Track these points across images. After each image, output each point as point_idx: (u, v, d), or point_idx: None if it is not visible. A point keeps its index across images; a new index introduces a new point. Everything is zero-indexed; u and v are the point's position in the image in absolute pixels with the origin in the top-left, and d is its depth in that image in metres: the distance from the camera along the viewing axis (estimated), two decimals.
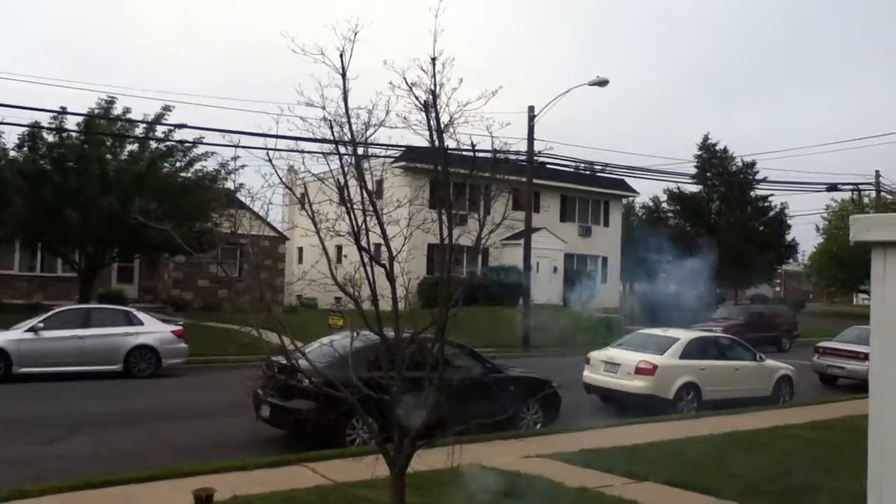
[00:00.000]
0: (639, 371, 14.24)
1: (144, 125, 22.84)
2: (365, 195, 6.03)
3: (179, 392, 16.03)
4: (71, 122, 21.70)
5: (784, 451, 10.43)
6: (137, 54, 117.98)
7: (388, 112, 5.90)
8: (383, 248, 6.23)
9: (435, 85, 5.68)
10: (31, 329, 16.63)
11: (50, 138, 21.88)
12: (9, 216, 21.32)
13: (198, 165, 23.52)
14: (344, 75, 5.78)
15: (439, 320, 6.07)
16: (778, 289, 72.96)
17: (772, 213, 50.25)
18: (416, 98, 5.74)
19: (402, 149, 18.82)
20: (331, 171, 6.34)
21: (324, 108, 5.88)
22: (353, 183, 6.12)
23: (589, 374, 15.18)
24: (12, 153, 21.79)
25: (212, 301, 30.73)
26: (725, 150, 49.97)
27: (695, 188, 50.08)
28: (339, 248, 7.17)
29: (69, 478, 8.04)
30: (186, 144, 23.05)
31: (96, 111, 21.95)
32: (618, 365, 14.65)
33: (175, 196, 21.63)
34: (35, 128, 21.26)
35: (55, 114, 21.16)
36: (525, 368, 14.23)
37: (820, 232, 50.80)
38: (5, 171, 21.09)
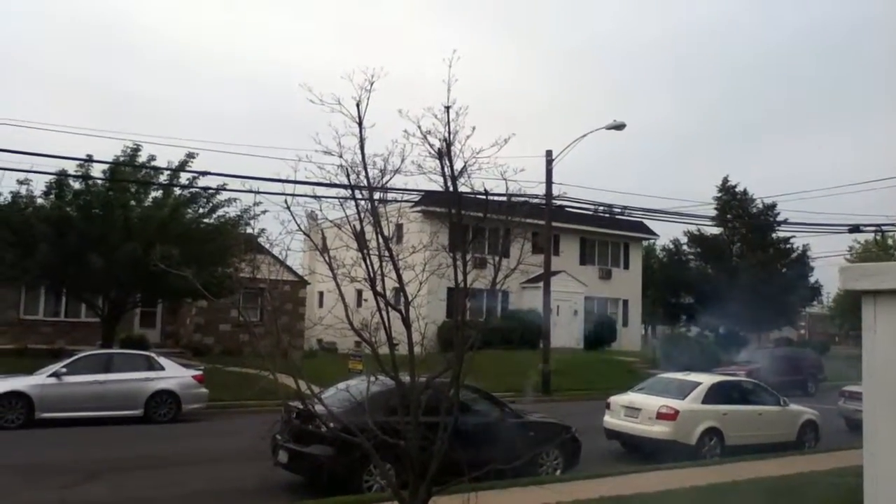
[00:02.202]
0: (660, 416, 14.06)
1: (168, 172, 23.21)
2: (381, 240, 6.11)
3: (198, 437, 16.03)
4: (97, 170, 22.12)
5: (809, 499, 10.21)
6: (160, 104, 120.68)
7: (403, 159, 6.02)
8: (400, 293, 6.29)
9: (449, 133, 5.79)
10: (54, 374, 16.75)
11: (76, 186, 22.29)
12: (34, 262, 21.65)
13: (220, 212, 23.84)
14: (360, 124, 5.92)
15: (454, 365, 6.09)
16: (802, 331, 71.97)
17: (794, 255, 49.85)
18: (431, 146, 5.86)
19: (419, 193, 19.02)
20: (347, 217, 6.44)
21: (341, 155, 6.02)
22: (369, 229, 6.21)
23: (610, 419, 15.01)
24: (39, 200, 22.21)
25: (233, 346, 30.84)
26: (745, 192, 49.84)
27: (715, 230, 49.88)
28: (360, 292, 7.20)
29: None
30: (209, 191, 23.37)
31: (122, 159, 22.33)
32: (638, 410, 14.49)
33: (197, 242, 21.86)
34: (62, 175, 21.67)
35: (81, 161, 21.58)
36: (545, 413, 14.10)
37: None
38: (32, 219, 21.47)
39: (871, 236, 45.96)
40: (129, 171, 22.61)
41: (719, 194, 49.98)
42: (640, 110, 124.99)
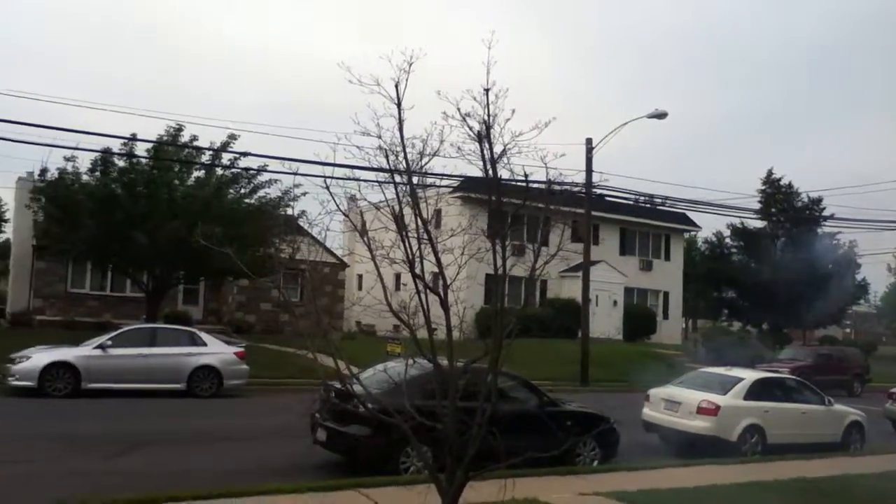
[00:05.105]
0: (701, 411, 13.83)
1: (211, 152, 23.41)
2: (420, 223, 6.05)
3: (238, 413, 16.24)
4: (141, 149, 22.40)
5: (854, 502, 9.96)
6: (202, 86, 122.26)
7: (442, 142, 5.94)
8: (438, 276, 6.22)
9: (488, 115, 5.69)
10: (100, 346, 17.10)
11: (121, 163, 22.63)
12: (80, 237, 22.08)
13: (261, 192, 24.02)
14: (399, 105, 5.84)
15: (493, 350, 6.02)
16: (848, 330, 70.34)
17: (840, 252, 48.72)
18: (470, 128, 5.77)
19: (458, 178, 18.93)
20: (386, 199, 6.39)
21: (379, 137, 5.95)
22: (408, 211, 6.15)
23: (649, 412, 14.82)
24: (85, 177, 22.60)
25: (273, 324, 31.24)
26: (790, 186, 48.83)
27: (759, 224, 48.94)
28: (398, 275, 7.23)
29: (123, 493, 8.16)
30: (251, 172, 23.55)
31: (165, 138, 22.59)
32: (678, 403, 14.27)
33: (239, 222, 22.06)
34: (107, 153, 22.01)
35: (126, 140, 21.87)
36: (583, 403, 13.97)
37: (892, 272, 48.96)
38: (79, 194, 21.88)
39: None
40: (172, 150, 22.86)
41: (763, 187, 49.03)
42: (684, 99, 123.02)
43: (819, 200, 47.57)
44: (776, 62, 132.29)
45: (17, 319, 27.35)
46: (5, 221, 40.17)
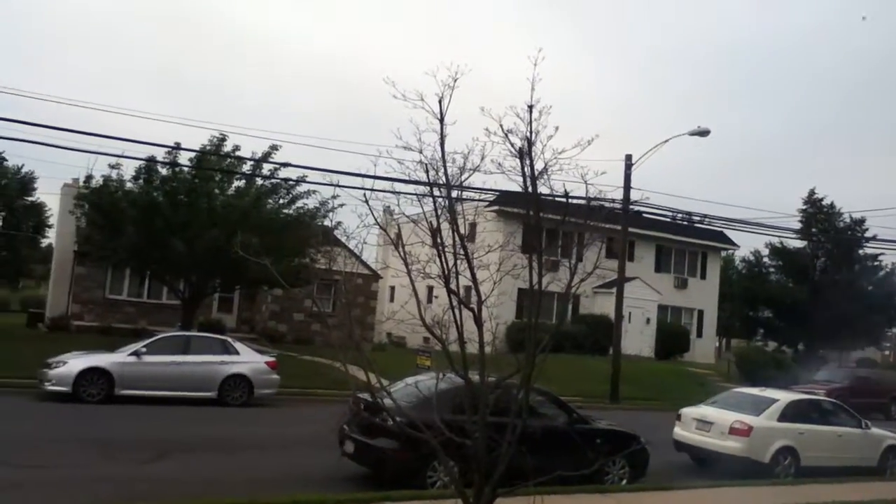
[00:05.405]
0: (733, 431, 13.65)
1: (252, 162, 23.69)
2: (457, 238, 6.08)
3: (268, 423, 16.36)
4: (184, 158, 22.74)
5: None
6: (246, 97, 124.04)
7: (483, 157, 5.97)
8: (472, 292, 6.25)
9: (531, 132, 5.73)
10: (134, 353, 17.31)
11: (164, 172, 22.99)
12: (121, 244, 22.47)
13: (299, 203, 24.20)
14: (442, 121, 5.89)
15: (525, 366, 6.02)
16: (887, 353, 68.70)
17: (882, 273, 47.80)
18: (512, 145, 5.80)
19: (496, 193, 18.90)
20: (424, 213, 6.43)
21: (420, 151, 6.01)
22: (445, 226, 6.19)
23: (680, 432, 14.66)
24: (129, 185, 23.00)
25: (305, 335, 31.43)
26: (832, 206, 48.04)
27: (799, 243, 48.20)
28: (431, 288, 7.30)
29: (152, 501, 8.27)
30: (290, 182, 23.77)
31: (208, 147, 22.91)
32: (711, 423, 14.10)
33: (276, 232, 22.24)
34: (151, 161, 22.39)
35: (170, 149, 22.23)
36: (613, 421, 13.85)
37: None
38: (122, 202, 22.28)
39: None
40: (214, 159, 23.15)
41: (804, 206, 48.32)
42: (728, 116, 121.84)
43: (862, 221, 46.79)
44: (825, 81, 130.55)
45: (56, 324, 27.90)
46: (49, 227, 41.07)
